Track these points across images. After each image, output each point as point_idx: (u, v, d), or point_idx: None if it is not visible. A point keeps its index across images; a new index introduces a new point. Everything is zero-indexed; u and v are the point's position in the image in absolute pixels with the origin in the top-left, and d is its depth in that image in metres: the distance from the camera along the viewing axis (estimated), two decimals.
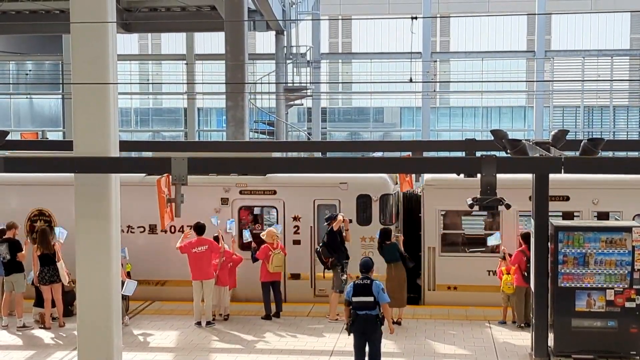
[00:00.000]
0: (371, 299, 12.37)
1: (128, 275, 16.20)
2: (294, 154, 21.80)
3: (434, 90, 39.35)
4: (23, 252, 15.99)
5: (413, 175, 16.46)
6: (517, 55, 40.43)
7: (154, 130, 43.87)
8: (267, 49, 38.39)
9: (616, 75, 39.44)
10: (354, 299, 12.43)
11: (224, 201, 17.63)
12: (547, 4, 38.40)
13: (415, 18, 15.77)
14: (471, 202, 12.02)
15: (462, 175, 15.00)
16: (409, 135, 41.45)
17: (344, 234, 16.56)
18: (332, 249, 16.25)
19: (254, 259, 16.65)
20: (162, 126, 44.11)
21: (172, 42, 42.00)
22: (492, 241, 16.55)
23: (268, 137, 34.99)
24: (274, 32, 35.43)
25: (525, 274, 15.19)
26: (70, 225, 16.64)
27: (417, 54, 38.10)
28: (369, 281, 12.52)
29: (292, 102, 36.59)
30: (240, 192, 17.70)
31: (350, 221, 17.01)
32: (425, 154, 16.79)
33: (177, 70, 41.36)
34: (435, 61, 40.45)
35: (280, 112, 35.04)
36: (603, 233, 13.34)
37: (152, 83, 43.86)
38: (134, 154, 22.74)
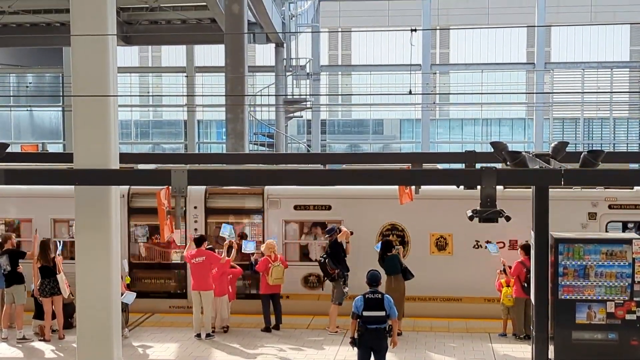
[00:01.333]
0: (383, 313, 12.35)
1: (127, 287, 16.19)
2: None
3: (434, 102, 39.42)
4: (30, 251, 16.00)
5: (413, 188, 16.40)
6: (516, 67, 40.52)
7: (154, 142, 43.91)
8: (266, 62, 38.48)
9: (616, 87, 39.51)
10: (365, 314, 12.33)
11: (591, 216, 17.03)
12: (547, 16, 38.53)
13: (415, 30, 15.77)
14: (471, 214, 12.01)
15: None
16: (409, 147, 41.49)
17: (345, 246, 16.56)
18: (337, 260, 16.24)
19: (254, 272, 16.63)
20: (162, 138, 44.17)
21: (172, 54, 42.11)
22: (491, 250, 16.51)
23: (268, 149, 35.02)
24: (273, 45, 35.52)
25: (525, 285, 15.18)
26: (422, 239, 17.03)
27: (417, 66, 38.18)
28: (380, 295, 12.48)
29: (291, 114, 36.64)
30: (610, 207, 17.03)
31: (352, 233, 17.00)
32: (425, 166, 16.75)
33: (177, 83, 41.44)
34: (435, 73, 40.54)
35: (280, 124, 35.08)
36: (603, 245, 13.34)
37: (152, 95, 43.94)
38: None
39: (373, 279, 12.70)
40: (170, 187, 11.95)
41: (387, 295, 12.67)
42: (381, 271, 15.64)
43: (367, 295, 12.47)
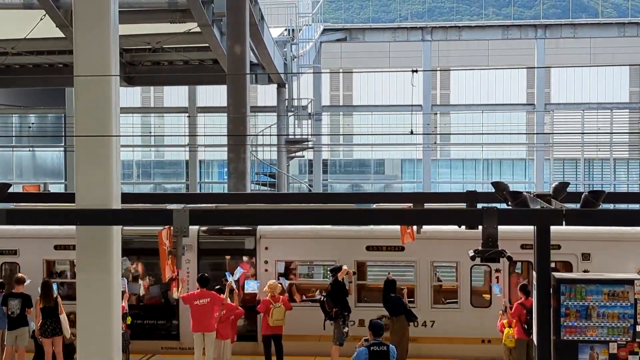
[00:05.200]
0: None
1: (128, 327, 16.11)
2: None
3: (435, 143, 39.56)
4: (32, 308, 16.03)
5: (414, 227, 16.41)
6: (517, 108, 40.72)
7: (156, 182, 43.99)
8: (268, 102, 38.67)
9: (616, 128, 39.66)
10: None
11: None
12: (546, 58, 38.79)
13: (416, 71, 15.87)
14: (472, 254, 11.99)
15: None
16: (410, 187, 41.53)
17: (347, 286, 16.53)
18: (337, 299, 16.19)
19: (255, 312, 16.57)
20: (163, 179, 44.25)
21: (174, 95, 42.34)
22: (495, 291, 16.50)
23: (269, 189, 35.06)
24: (275, 85, 35.73)
25: (526, 326, 15.11)
26: None
27: (418, 106, 38.38)
28: (385, 347, 11.99)
29: (293, 154, 36.74)
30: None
31: (355, 273, 16.98)
32: (427, 206, 16.78)
33: (179, 123, 41.62)
34: (436, 114, 40.72)
35: (281, 164, 35.16)
36: (605, 286, 13.29)
37: (154, 135, 44.11)
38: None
39: (378, 329, 12.20)
40: (171, 227, 11.94)
41: (392, 346, 12.34)
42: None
43: (372, 348, 11.93)
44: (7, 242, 17.76)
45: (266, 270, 17.43)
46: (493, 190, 14.52)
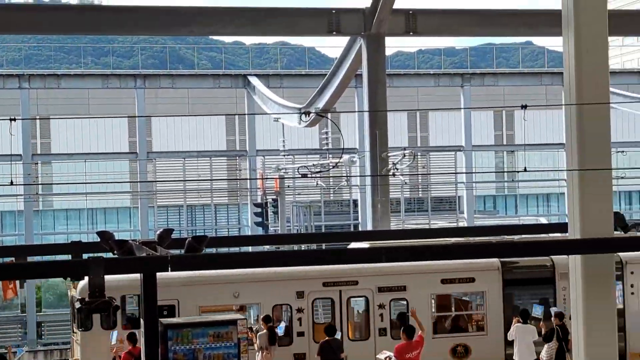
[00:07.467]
0: None
1: None
2: None
3: (37, 193, 38.41)
4: None
5: (17, 282, 15.80)
6: (119, 156, 40.97)
7: None
8: None
9: (215, 175, 41.45)
10: None
11: None
12: (147, 107, 39.56)
13: (14, 119, 15.39)
14: (79, 305, 11.81)
15: None
16: (12, 240, 39.83)
17: None
18: None
19: None
20: None
21: None
22: None
23: None
24: None
25: None
26: None
27: (17, 156, 37.07)
28: None
29: None
30: None
31: None
32: (30, 259, 16.22)
33: None
34: (37, 163, 39.62)
35: None
36: (210, 328, 13.75)
37: None
38: None
39: None
40: None
41: None
42: None
43: None
44: (396, 278, 17.23)
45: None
46: (99, 239, 14.48)
